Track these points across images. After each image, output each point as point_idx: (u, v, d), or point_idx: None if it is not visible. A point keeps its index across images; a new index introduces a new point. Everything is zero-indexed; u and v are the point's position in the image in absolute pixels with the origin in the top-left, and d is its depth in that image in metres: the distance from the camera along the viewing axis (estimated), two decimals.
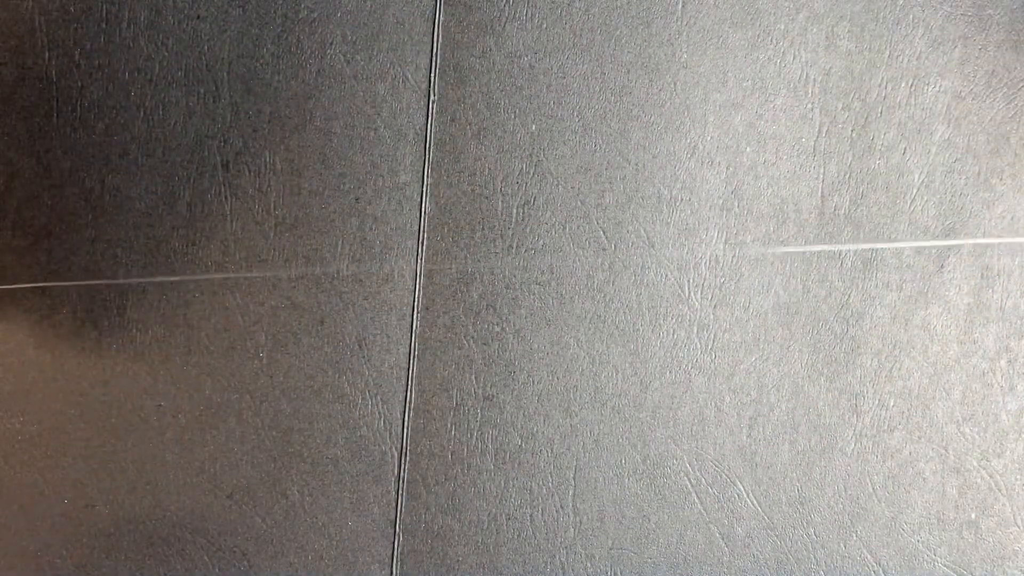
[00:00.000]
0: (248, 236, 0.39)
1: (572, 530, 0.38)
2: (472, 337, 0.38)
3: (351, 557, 0.39)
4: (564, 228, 0.37)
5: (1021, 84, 0.34)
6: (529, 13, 0.36)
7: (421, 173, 0.37)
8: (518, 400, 0.38)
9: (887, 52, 0.36)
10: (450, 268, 0.37)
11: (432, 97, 0.37)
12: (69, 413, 0.38)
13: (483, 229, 0.37)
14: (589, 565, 0.39)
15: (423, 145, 0.37)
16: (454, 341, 0.38)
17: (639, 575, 0.39)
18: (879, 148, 0.36)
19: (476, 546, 0.39)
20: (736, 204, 0.37)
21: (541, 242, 0.37)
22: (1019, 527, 0.38)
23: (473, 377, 0.38)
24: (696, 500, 0.38)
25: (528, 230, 0.37)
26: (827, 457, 0.38)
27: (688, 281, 0.37)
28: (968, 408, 0.38)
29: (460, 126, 0.37)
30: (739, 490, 0.38)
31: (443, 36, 0.36)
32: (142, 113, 0.41)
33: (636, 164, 0.37)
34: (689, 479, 0.38)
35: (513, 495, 0.38)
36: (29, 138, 0.43)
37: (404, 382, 0.38)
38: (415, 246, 0.37)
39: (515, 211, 0.37)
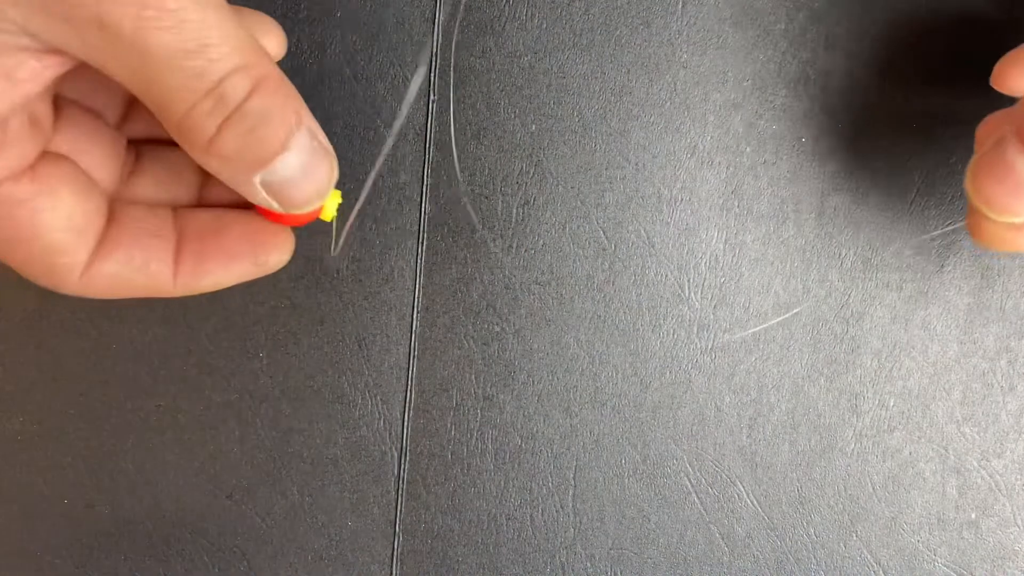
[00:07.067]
0: None
1: (572, 530, 0.38)
2: (472, 337, 0.38)
3: (351, 557, 0.39)
4: (564, 228, 0.37)
5: None
6: (529, 13, 0.36)
7: (421, 173, 0.37)
8: (518, 400, 0.38)
9: (887, 52, 0.36)
10: (450, 268, 0.37)
11: (432, 97, 0.37)
12: (69, 413, 0.38)
13: (483, 229, 0.37)
14: (589, 565, 0.39)
15: (423, 145, 0.37)
16: (454, 341, 0.38)
17: (639, 575, 0.39)
18: (879, 147, 0.36)
19: (476, 546, 0.39)
20: (736, 204, 0.37)
21: (541, 242, 0.37)
22: (1019, 527, 0.38)
23: (473, 377, 0.38)
24: (696, 500, 0.38)
25: (528, 230, 0.37)
26: (827, 457, 0.38)
27: (688, 281, 0.37)
28: (968, 408, 0.38)
29: (460, 126, 0.37)
30: (739, 490, 0.38)
31: (443, 36, 0.36)
32: None
33: (636, 164, 0.37)
34: (689, 479, 0.38)
35: (513, 495, 0.38)
36: None
37: (404, 382, 0.38)
38: (415, 246, 0.37)
39: (515, 211, 0.37)
